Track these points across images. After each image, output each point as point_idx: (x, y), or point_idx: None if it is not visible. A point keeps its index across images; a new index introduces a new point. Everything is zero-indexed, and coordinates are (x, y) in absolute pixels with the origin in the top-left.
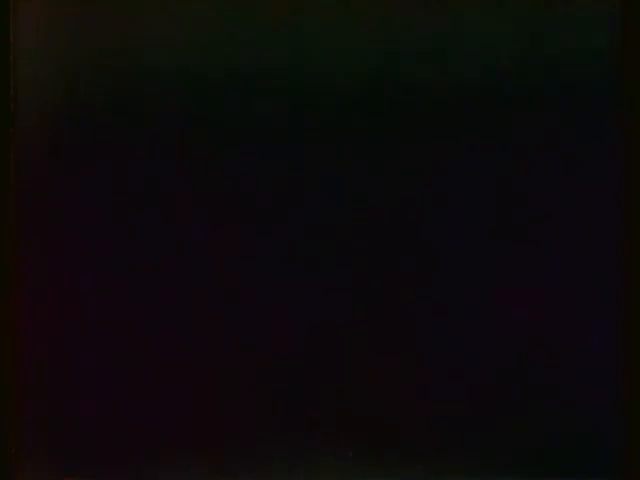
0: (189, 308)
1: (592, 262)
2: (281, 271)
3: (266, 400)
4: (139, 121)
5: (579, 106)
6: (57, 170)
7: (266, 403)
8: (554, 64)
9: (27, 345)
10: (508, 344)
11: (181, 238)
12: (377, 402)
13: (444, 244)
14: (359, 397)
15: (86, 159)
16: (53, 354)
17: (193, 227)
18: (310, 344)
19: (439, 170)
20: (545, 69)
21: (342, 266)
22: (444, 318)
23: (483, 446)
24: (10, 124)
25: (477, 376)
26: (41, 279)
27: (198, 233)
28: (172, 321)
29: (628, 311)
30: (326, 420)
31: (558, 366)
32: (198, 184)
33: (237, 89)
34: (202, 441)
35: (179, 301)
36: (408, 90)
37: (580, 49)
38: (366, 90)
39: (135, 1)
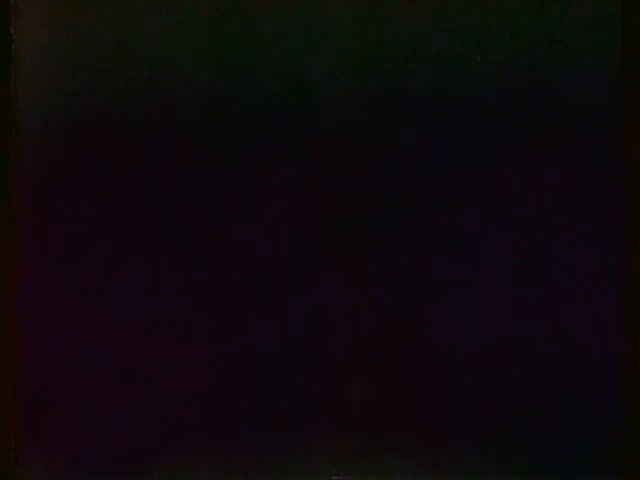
0: (189, 308)
1: (592, 262)
2: (281, 271)
3: (267, 400)
4: (140, 120)
5: (579, 106)
6: (58, 169)
7: (267, 404)
8: (554, 64)
9: (27, 345)
10: (507, 344)
11: (181, 239)
12: (378, 402)
13: (444, 243)
14: (359, 397)
15: (87, 159)
16: (53, 354)
17: (194, 227)
18: (312, 344)
19: (438, 170)
20: (545, 69)
21: (343, 268)
22: (443, 318)
23: (483, 446)
24: (11, 124)
25: (476, 376)
26: (42, 279)
27: (199, 233)
28: (173, 321)
29: (629, 312)
30: (327, 420)
31: (558, 367)
32: (200, 184)
33: (237, 89)
34: (203, 442)
35: (179, 301)
36: (405, 87)
37: (580, 49)
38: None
39: (135, 1)
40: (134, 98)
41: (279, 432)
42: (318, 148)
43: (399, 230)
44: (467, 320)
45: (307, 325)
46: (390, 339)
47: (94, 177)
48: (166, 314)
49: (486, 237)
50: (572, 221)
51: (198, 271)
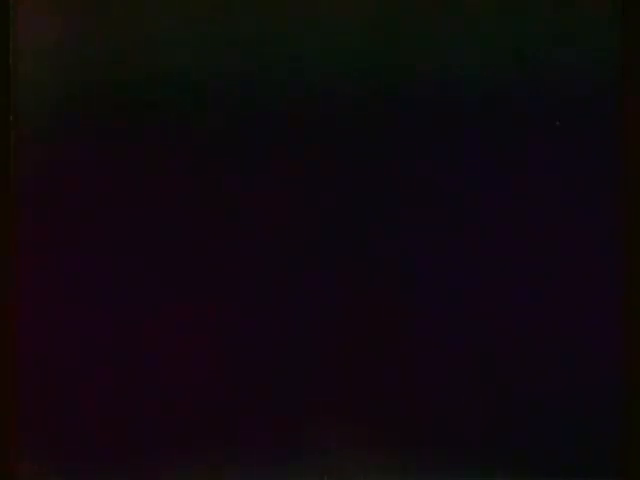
0: (191, 307)
1: (592, 263)
2: (281, 271)
3: (267, 400)
4: (140, 121)
5: (578, 106)
6: (58, 170)
7: (266, 403)
8: (554, 63)
9: (28, 343)
10: (506, 343)
11: (182, 240)
12: (379, 401)
13: (442, 240)
14: (360, 396)
15: (87, 159)
16: (54, 353)
17: (190, 227)
18: (311, 343)
19: (437, 168)
20: (545, 68)
21: (341, 267)
22: (442, 317)
23: (482, 445)
24: (10, 125)
25: (475, 375)
26: (42, 280)
27: (194, 233)
28: (173, 320)
29: (628, 311)
30: (328, 419)
31: (558, 366)
32: (201, 185)
33: (238, 89)
34: (204, 440)
35: (181, 300)
36: (407, 86)
37: (580, 49)
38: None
39: (135, 1)
40: (134, 97)
41: (279, 432)
42: (313, 146)
43: (399, 230)
44: (465, 320)
45: (305, 325)
46: (389, 338)
47: (93, 176)
48: (167, 313)
49: (485, 238)
50: (571, 221)
51: (196, 270)
